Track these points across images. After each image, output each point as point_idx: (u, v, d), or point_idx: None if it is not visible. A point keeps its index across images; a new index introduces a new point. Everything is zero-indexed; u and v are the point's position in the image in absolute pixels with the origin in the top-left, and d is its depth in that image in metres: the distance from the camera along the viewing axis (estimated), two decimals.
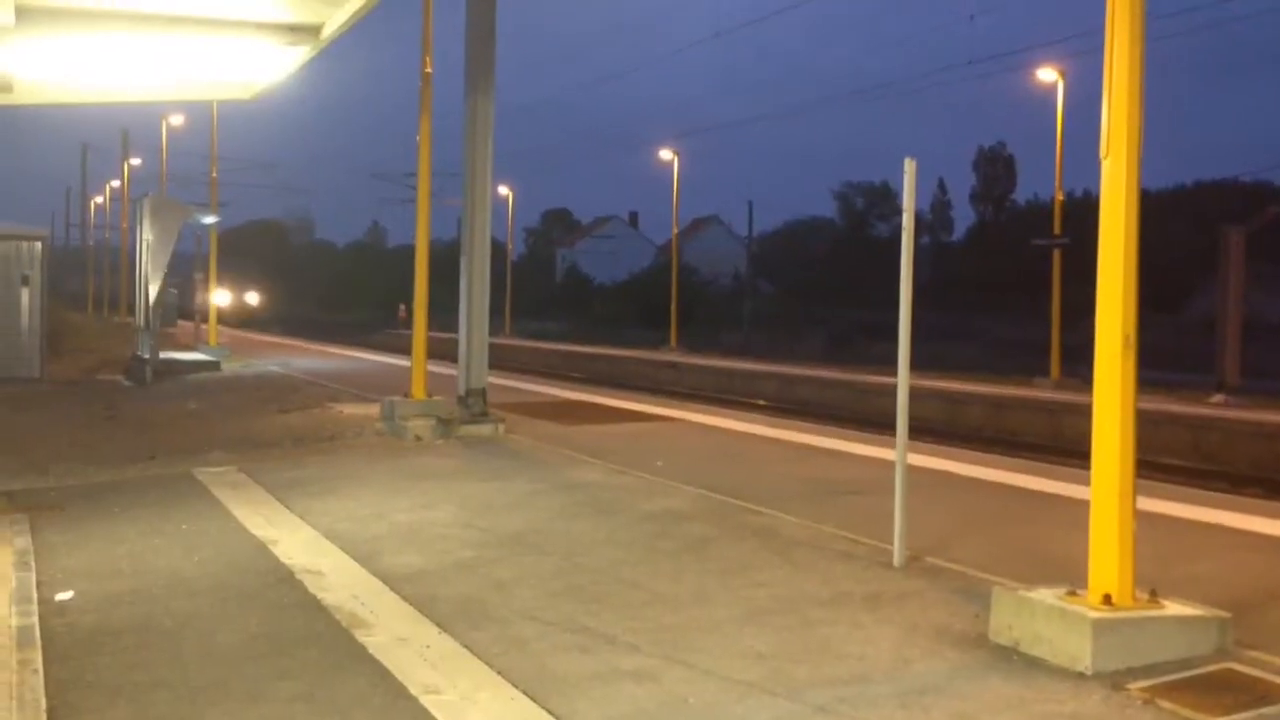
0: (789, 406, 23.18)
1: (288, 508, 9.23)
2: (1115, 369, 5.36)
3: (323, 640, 5.78)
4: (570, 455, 11.80)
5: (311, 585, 6.80)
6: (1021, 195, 72.09)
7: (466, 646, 5.58)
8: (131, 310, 30.25)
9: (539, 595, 6.49)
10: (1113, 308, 5.37)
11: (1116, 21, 5.37)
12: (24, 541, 8.29)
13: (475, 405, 13.63)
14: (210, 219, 29.29)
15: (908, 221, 7.02)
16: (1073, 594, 5.42)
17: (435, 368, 15.40)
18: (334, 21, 10.50)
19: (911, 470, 7.30)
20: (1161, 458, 15.85)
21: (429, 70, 14.60)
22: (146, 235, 22.35)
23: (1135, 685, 4.93)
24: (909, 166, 7.03)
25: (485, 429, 13.42)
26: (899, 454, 7.08)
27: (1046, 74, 28.02)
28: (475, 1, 13.80)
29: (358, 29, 10.78)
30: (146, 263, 22.36)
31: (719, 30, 27.44)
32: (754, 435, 13.59)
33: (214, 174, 32.49)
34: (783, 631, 5.75)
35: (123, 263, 48.13)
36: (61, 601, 6.67)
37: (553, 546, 7.69)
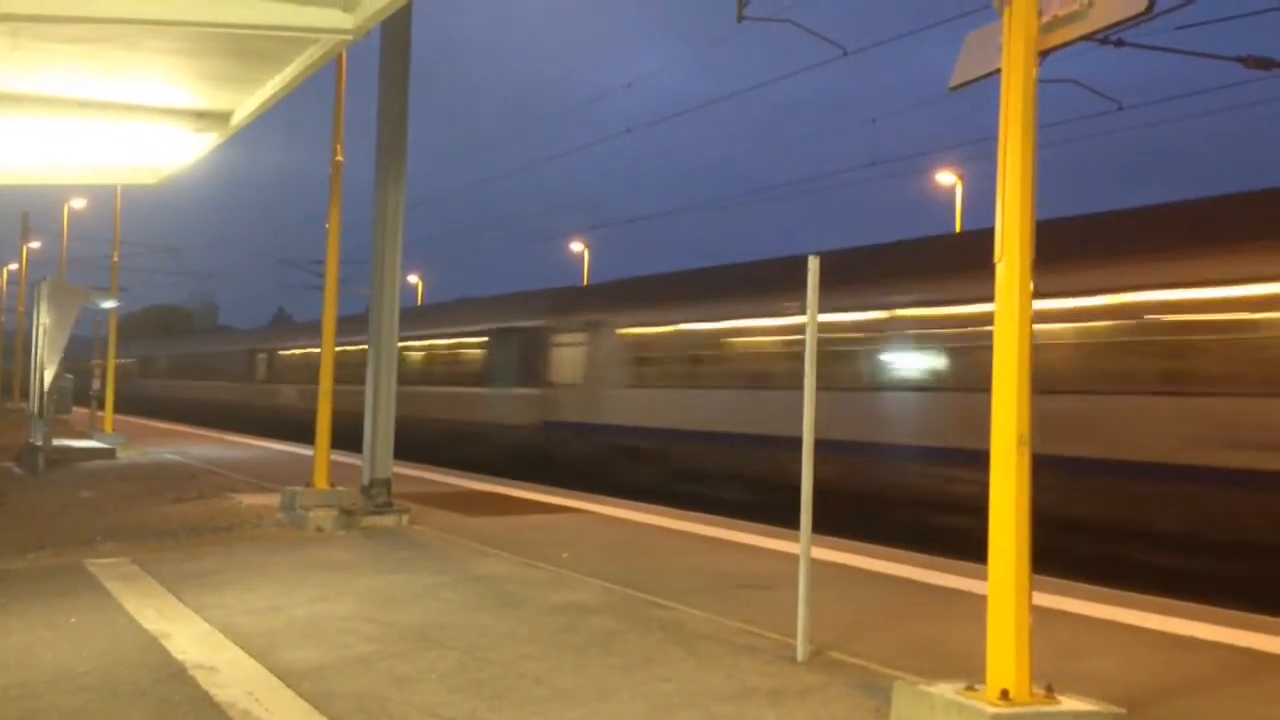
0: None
1: (181, 601, 8.99)
2: (1010, 467, 5.49)
3: None
4: (475, 547, 11.69)
5: (204, 681, 6.61)
6: None
7: None
8: (26, 396, 29.47)
9: (440, 691, 6.39)
10: (1007, 408, 5.51)
11: (1009, 131, 5.59)
12: None
13: (379, 495, 13.47)
14: (110, 303, 28.77)
15: (811, 318, 7.16)
16: (971, 689, 5.48)
17: (340, 457, 15.20)
18: (244, 109, 10.52)
19: (816, 564, 7.36)
20: None
21: (340, 159, 14.62)
22: (43, 319, 21.86)
23: None
24: (812, 264, 7.20)
25: (389, 520, 13.25)
26: (803, 548, 7.14)
27: (945, 177, 28.86)
28: (388, 92, 13.91)
29: (267, 115, 10.81)
30: (43, 347, 21.86)
31: (629, 126, 27.83)
32: (660, 528, 13.58)
33: (116, 258, 31.96)
34: None
35: (18, 347, 46.96)
36: None
37: (455, 640, 7.59)
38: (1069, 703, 5.44)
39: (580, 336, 23.43)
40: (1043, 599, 6.81)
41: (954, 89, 6.35)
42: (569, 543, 12.02)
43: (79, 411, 35.72)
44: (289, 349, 41.41)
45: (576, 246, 47.68)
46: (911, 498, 15.53)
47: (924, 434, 15.57)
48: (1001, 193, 5.60)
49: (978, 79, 6.12)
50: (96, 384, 32.01)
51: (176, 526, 13.37)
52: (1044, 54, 5.71)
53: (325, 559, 11.12)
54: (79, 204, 38.83)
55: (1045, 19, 5.65)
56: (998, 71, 5.72)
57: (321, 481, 14.27)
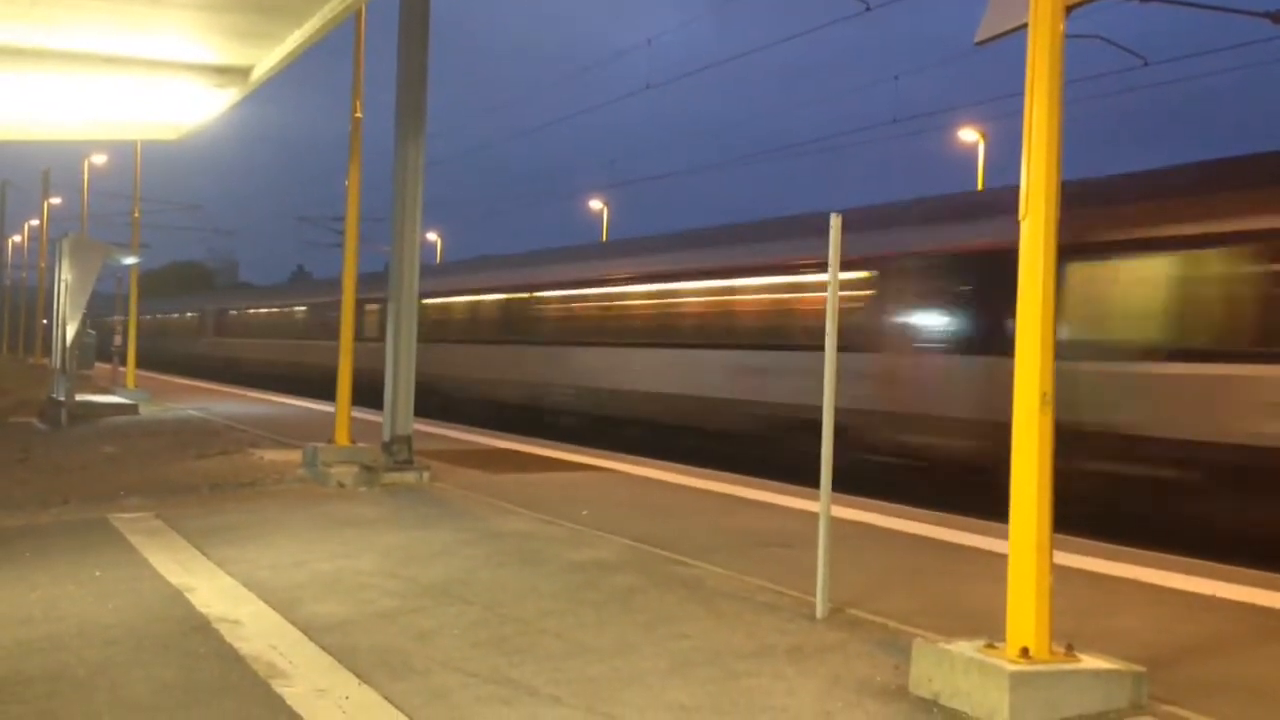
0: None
1: (205, 555, 9.07)
2: (1033, 425, 5.46)
3: (239, 691, 5.68)
4: (496, 504, 11.74)
5: (228, 634, 6.68)
6: None
7: (387, 698, 5.51)
8: (48, 351, 29.64)
9: (462, 646, 6.44)
10: (1031, 365, 5.48)
11: (1036, 86, 5.53)
12: None
13: (400, 452, 13.53)
14: (131, 260, 28.89)
15: (832, 275, 7.14)
16: (991, 647, 5.49)
17: (360, 414, 15.26)
18: (264, 64, 10.46)
19: (835, 523, 7.37)
20: None
21: (359, 115, 14.60)
22: (65, 275, 21.98)
23: None
24: (834, 222, 7.16)
25: (410, 476, 13.31)
26: (823, 506, 7.14)
27: (968, 134, 28.64)
28: (408, 49, 13.84)
29: (287, 71, 10.75)
30: (64, 303, 21.97)
31: (649, 83, 27.65)
32: (681, 486, 13.61)
33: (136, 214, 32.08)
34: (706, 684, 5.75)
35: (40, 303, 47.23)
36: None
37: (476, 596, 7.64)
38: (1089, 661, 5.44)
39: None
40: (1063, 558, 6.81)
41: (980, 44, 6.27)
42: (589, 500, 12.06)
43: (102, 367, 35.94)
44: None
45: (596, 204, 47.56)
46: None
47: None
48: (1027, 149, 5.55)
49: (1004, 34, 6.05)
50: (119, 340, 32.16)
51: (200, 482, 13.47)
52: (1071, 9, 5.64)
53: (347, 515, 11.19)
54: (99, 160, 38.92)
55: None
56: (1024, 26, 5.65)
57: (343, 438, 14.34)
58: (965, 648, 5.50)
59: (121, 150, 35.28)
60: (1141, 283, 12.49)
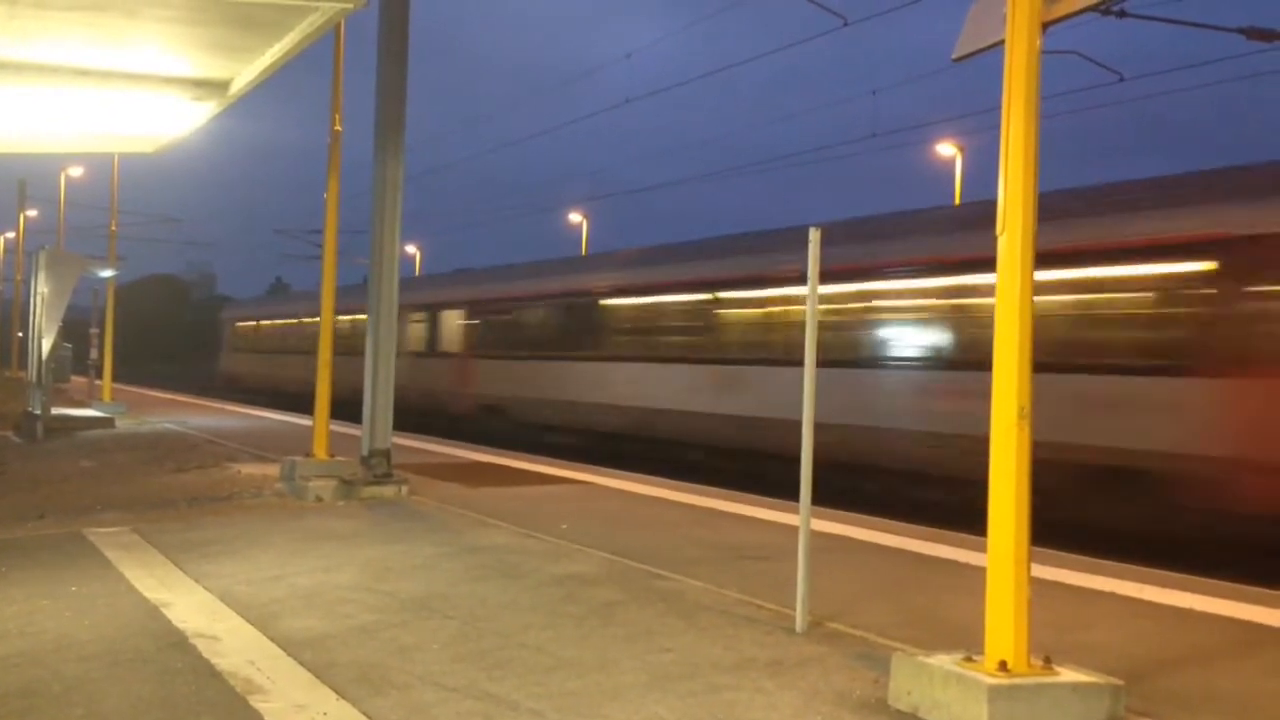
0: None
1: (182, 570, 9.02)
2: (1011, 439, 5.49)
3: (216, 707, 5.64)
4: (475, 518, 11.71)
5: (205, 650, 6.64)
6: None
7: (366, 714, 5.48)
8: (24, 365, 29.45)
9: (441, 660, 6.42)
10: (1008, 380, 5.51)
11: (1013, 101, 5.57)
12: None
13: (379, 466, 13.48)
14: (108, 272, 28.75)
15: (812, 289, 7.16)
16: (969, 660, 5.50)
17: (339, 427, 15.22)
18: (243, 78, 10.45)
19: (813, 536, 7.38)
20: None
21: (338, 129, 14.58)
22: (41, 288, 21.85)
23: None
24: (813, 236, 7.19)
25: (389, 490, 13.27)
26: (803, 519, 7.16)
27: (946, 149, 28.78)
28: (387, 63, 13.83)
29: (265, 84, 10.74)
30: (40, 316, 21.84)
31: (629, 97, 27.65)
32: (659, 499, 13.61)
33: (113, 227, 31.92)
34: (687, 697, 5.74)
35: (15, 316, 46.91)
36: None
37: (456, 611, 7.61)
38: (1067, 674, 5.46)
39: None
40: (1040, 570, 6.84)
41: (957, 60, 6.31)
42: (568, 514, 12.04)
43: (78, 380, 35.71)
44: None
45: (575, 218, 47.62)
46: None
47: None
48: (1004, 165, 5.59)
49: (981, 50, 6.08)
50: (94, 353, 31.98)
51: (176, 496, 13.40)
52: (1047, 25, 5.68)
53: (325, 529, 11.14)
54: (76, 172, 38.76)
55: None
56: (1001, 43, 5.69)
57: (321, 452, 14.29)
58: (944, 661, 5.52)
59: (99, 162, 35.10)
60: None
